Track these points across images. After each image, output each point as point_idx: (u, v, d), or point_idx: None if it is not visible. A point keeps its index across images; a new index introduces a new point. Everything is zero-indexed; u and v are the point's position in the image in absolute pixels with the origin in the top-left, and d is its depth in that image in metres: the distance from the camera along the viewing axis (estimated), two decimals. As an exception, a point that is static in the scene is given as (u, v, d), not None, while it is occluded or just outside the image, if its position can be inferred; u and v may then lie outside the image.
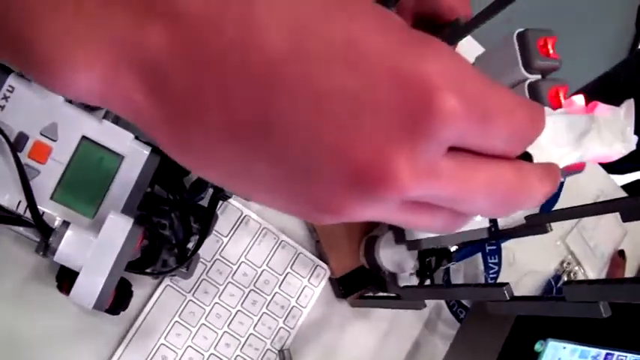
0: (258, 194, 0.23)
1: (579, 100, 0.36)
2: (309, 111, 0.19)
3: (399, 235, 0.60)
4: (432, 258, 0.64)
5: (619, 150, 0.35)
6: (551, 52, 0.41)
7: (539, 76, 0.43)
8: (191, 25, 0.19)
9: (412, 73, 0.19)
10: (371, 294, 0.66)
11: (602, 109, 0.35)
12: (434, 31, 0.67)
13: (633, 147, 0.36)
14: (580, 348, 0.52)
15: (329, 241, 0.65)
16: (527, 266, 0.78)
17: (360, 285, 0.66)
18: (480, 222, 0.57)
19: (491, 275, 0.71)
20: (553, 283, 0.78)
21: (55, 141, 0.46)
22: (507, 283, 0.45)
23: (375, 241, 0.64)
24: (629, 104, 0.36)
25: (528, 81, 0.42)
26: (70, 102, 0.47)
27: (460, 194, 0.21)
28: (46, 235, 0.44)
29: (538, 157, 0.25)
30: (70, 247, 0.43)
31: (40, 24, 0.20)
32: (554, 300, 0.42)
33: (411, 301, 0.56)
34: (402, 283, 0.63)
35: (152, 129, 0.22)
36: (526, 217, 0.58)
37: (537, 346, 0.55)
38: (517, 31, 0.40)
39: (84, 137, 0.48)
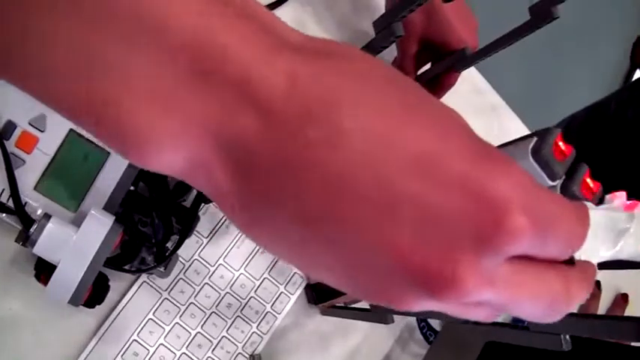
0: (318, 274, 0.24)
1: (621, 196, 0.36)
2: (381, 214, 0.20)
3: None
4: None
5: None
6: (563, 148, 0.41)
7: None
8: (279, 119, 0.20)
9: (484, 188, 0.20)
10: (342, 304, 0.66)
11: None
12: (438, 57, 0.68)
13: None
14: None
15: None
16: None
17: (333, 294, 0.66)
18: None
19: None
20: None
21: (42, 132, 0.46)
22: None
23: None
24: None
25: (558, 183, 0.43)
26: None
27: (509, 301, 0.22)
28: (27, 225, 0.44)
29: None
30: (49, 241, 0.43)
31: (129, 101, 0.20)
32: (519, 329, 0.43)
33: (379, 315, 0.56)
34: None
35: (227, 205, 0.23)
36: None
37: (505, 371, 0.56)
38: (530, 147, 0.41)
39: (71, 130, 0.48)
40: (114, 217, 0.45)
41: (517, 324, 0.46)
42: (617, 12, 2.05)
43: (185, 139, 0.21)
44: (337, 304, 0.66)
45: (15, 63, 0.20)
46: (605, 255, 0.33)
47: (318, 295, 0.66)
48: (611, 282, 0.88)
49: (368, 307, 0.58)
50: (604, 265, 0.36)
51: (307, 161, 0.20)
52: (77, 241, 0.44)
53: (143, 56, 0.20)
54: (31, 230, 0.44)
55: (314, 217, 0.21)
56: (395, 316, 0.58)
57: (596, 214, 0.30)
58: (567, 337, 0.40)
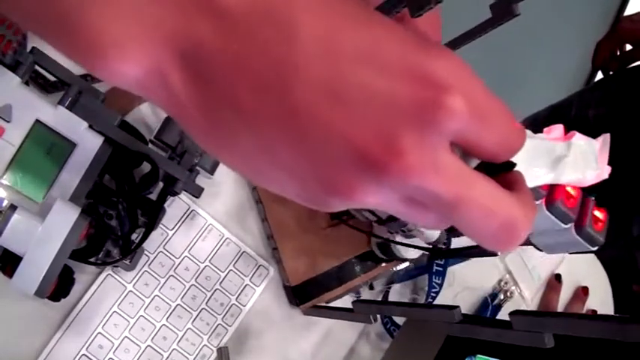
0: (273, 179, 0.25)
1: (558, 128, 0.38)
2: (332, 101, 0.22)
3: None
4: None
5: (592, 177, 0.38)
6: (573, 193, 0.43)
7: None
8: (236, 21, 0.22)
9: (424, 70, 0.22)
10: (323, 304, 0.67)
11: (579, 138, 0.38)
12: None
13: (606, 176, 0.39)
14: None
15: (286, 249, 0.66)
16: (466, 283, 0.81)
17: (313, 294, 0.67)
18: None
19: (431, 294, 0.73)
20: (489, 300, 0.81)
21: (8, 122, 0.46)
22: (458, 307, 0.47)
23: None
24: (606, 138, 0.39)
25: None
26: (27, 84, 0.47)
27: (458, 199, 0.23)
28: (-9, 218, 0.44)
29: None
30: (15, 232, 0.43)
31: (92, 9, 0.21)
32: (502, 328, 0.45)
33: (362, 315, 0.57)
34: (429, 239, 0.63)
35: (184, 115, 0.24)
36: None
37: (465, 360, 0.57)
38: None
39: (37, 121, 0.47)
40: (80, 209, 0.45)
41: (499, 320, 0.47)
42: (581, 14, 2.10)
43: (144, 45, 0.22)
44: (319, 305, 0.66)
45: None
46: (545, 179, 0.35)
47: (299, 297, 0.67)
48: (572, 275, 0.90)
49: (350, 307, 0.59)
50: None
51: (263, 60, 0.22)
52: (43, 232, 0.44)
53: None
54: (-3, 222, 0.43)
55: (272, 114, 0.22)
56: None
57: (535, 141, 0.32)
58: (550, 335, 0.42)
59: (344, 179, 0.23)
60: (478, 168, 0.25)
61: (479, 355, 0.57)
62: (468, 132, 0.23)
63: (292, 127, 0.22)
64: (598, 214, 0.45)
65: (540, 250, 0.50)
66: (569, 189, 0.43)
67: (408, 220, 0.26)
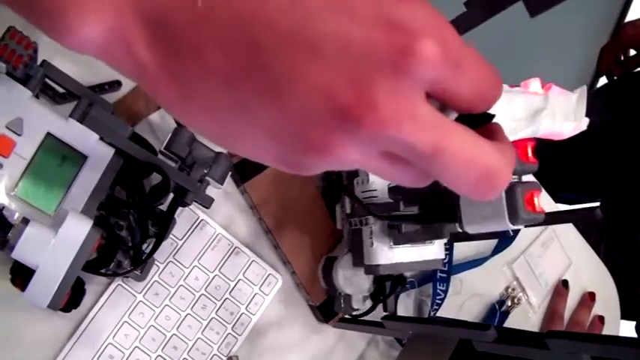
0: (250, 142, 0.25)
1: (536, 82, 0.38)
2: (304, 54, 0.21)
3: (357, 258, 0.62)
4: (388, 283, 0.66)
5: (569, 129, 0.38)
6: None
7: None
8: None
9: (400, 19, 0.21)
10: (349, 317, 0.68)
11: (556, 91, 0.38)
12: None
13: (584, 127, 0.39)
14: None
15: (304, 272, 0.67)
16: (473, 290, 0.81)
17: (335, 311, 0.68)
18: (435, 253, 0.60)
19: (437, 301, 0.73)
20: (497, 307, 0.81)
21: (19, 135, 0.46)
22: (491, 326, 0.48)
23: (334, 261, 0.65)
24: (583, 90, 0.39)
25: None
26: (37, 97, 0.47)
27: (436, 149, 0.22)
28: (4, 230, 0.44)
29: None
30: (27, 245, 0.43)
31: None
32: (538, 348, 0.45)
33: (394, 330, 0.57)
34: (355, 305, 0.65)
35: (151, 80, 0.24)
36: None
37: (476, 369, 0.57)
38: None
39: (49, 134, 0.47)
40: (92, 221, 0.46)
41: (535, 340, 0.47)
42: (583, 19, 2.11)
43: (105, 8, 0.22)
44: (346, 317, 0.67)
45: None
46: (525, 132, 0.35)
47: (325, 314, 0.68)
48: (578, 281, 0.91)
49: (379, 320, 0.59)
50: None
51: (229, 15, 0.21)
52: (56, 245, 0.44)
53: None
54: (9, 234, 0.44)
55: (241, 71, 0.22)
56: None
57: (515, 95, 0.32)
58: (588, 356, 0.42)
59: (319, 134, 0.22)
60: (457, 121, 0.24)
61: (489, 363, 0.57)
62: (443, 80, 0.22)
63: (265, 82, 0.22)
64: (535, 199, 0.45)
65: (462, 225, 0.49)
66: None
67: (387, 179, 0.25)
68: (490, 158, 0.23)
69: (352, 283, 0.64)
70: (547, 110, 0.35)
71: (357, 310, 0.67)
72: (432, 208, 0.55)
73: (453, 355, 0.61)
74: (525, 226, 0.49)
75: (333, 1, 0.21)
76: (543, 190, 0.80)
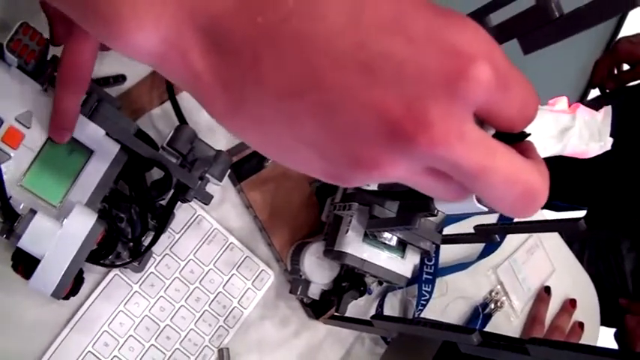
0: (297, 156, 0.26)
1: (563, 101, 0.40)
2: (359, 74, 0.22)
3: (329, 245, 0.64)
4: (347, 284, 0.68)
5: (595, 148, 0.39)
6: None
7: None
8: None
9: (454, 42, 0.22)
10: (339, 314, 0.69)
11: (583, 110, 0.39)
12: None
13: (609, 147, 0.40)
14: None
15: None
16: (458, 292, 0.84)
17: (327, 307, 0.70)
18: (403, 270, 0.62)
19: (422, 301, 0.76)
20: (480, 309, 0.83)
21: (28, 128, 0.48)
22: (476, 330, 0.50)
23: (305, 246, 0.67)
24: (608, 110, 0.40)
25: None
26: (46, 91, 0.49)
27: (481, 169, 0.23)
28: (11, 219, 0.46)
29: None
30: (34, 235, 0.45)
31: None
32: (519, 353, 0.47)
33: (381, 329, 0.59)
34: (310, 294, 0.67)
35: (206, 92, 0.24)
36: (475, 227, 0.63)
37: (458, 370, 0.59)
38: None
39: (57, 128, 0.49)
40: (97, 215, 0.47)
41: (517, 345, 0.49)
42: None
43: (163, 17, 0.23)
44: (336, 315, 0.68)
45: None
46: (554, 150, 0.36)
47: (316, 311, 0.71)
48: (560, 288, 0.93)
49: (368, 319, 0.61)
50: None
51: (287, 33, 0.22)
52: (61, 236, 0.45)
53: None
54: (16, 224, 0.45)
55: (298, 89, 0.23)
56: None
57: (544, 113, 0.33)
58: None
59: (370, 152, 0.23)
60: (494, 137, 0.25)
61: (471, 365, 0.59)
62: (492, 102, 0.23)
63: (319, 99, 0.23)
64: None
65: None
66: None
67: (428, 193, 0.26)
68: (530, 178, 0.24)
69: (316, 270, 0.66)
70: (574, 129, 0.36)
71: (311, 299, 0.68)
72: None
73: (437, 355, 0.63)
74: (510, 234, 0.51)
75: (388, 24, 0.22)
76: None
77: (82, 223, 0.46)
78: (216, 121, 0.26)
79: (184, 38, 0.23)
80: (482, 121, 0.25)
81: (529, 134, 0.27)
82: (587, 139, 0.39)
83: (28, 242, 0.45)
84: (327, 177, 0.26)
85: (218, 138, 0.66)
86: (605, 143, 0.40)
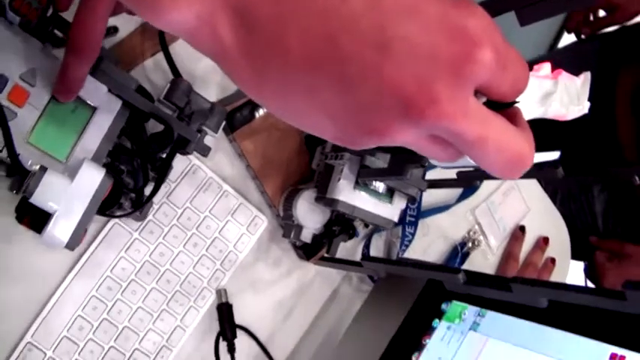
0: (312, 120, 0.28)
1: (547, 67, 0.42)
2: (376, 52, 0.25)
3: (321, 193, 0.67)
4: (338, 228, 0.71)
5: (574, 112, 0.42)
6: None
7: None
8: None
9: (463, 27, 0.25)
10: (329, 256, 0.73)
11: (564, 76, 0.42)
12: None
13: (586, 111, 0.43)
14: (474, 308, 0.62)
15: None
16: (439, 233, 0.88)
17: (318, 249, 0.73)
18: (390, 214, 0.65)
19: (405, 242, 0.80)
20: (459, 248, 0.88)
21: (33, 86, 0.49)
22: (461, 270, 0.53)
23: (298, 192, 0.70)
24: (587, 76, 0.43)
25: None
26: (49, 50, 0.49)
27: (477, 139, 0.26)
28: (21, 175, 0.47)
29: None
30: (45, 191, 0.47)
31: None
32: (503, 290, 0.51)
33: (371, 269, 0.63)
34: (303, 237, 0.70)
35: (233, 64, 0.27)
36: (458, 173, 0.66)
37: (443, 306, 0.64)
38: None
39: (60, 85, 0.50)
40: (104, 170, 0.49)
41: (501, 283, 0.53)
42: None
43: None
44: (326, 256, 0.72)
45: None
46: (536, 113, 0.39)
47: (307, 253, 0.74)
48: (534, 226, 0.98)
49: (358, 261, 0.64)
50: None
51: (311, 11, 0.25)
52: (72, 190, 0.47)
53: None
54: (28, 181, 0.47)
55: (319, 62, 0.25)
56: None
57: (530, 79, 0.37)
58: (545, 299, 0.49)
59: (382, 121, 0.26)
60: (485, 104, 0.28)
61: (454, 301, 0.64)
62: (491, 79, 0.26)
63: (339, 73, 0.25)
64: None
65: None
66: None
67: (426, 155, 0.30)
68: (519, 146, 0.28)
69: (308, 216, 0.69)
70: (556, 94, 0.39)
71: (303, 242, 0.72)
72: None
73: (422, 292, 0.68)
74: (490, 179, 0.53)
75: (406, 9, 0.24)
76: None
77: (91, 178, 0.48)
78: (240, 89, 0.29)
79: (215, 15, 0.26)
80: (477, 91, 0.28)
81: (517, 101, 0.30)
82: (567, 104, 0.41)
83: (39, 198, 0.47)
84: (338, 140, 0.29)
85: (210, 89, 0.68)
86: (584, 107, 0.42)
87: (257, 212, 0.71)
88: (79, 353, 0.62)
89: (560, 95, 0.40)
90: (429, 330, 0.63)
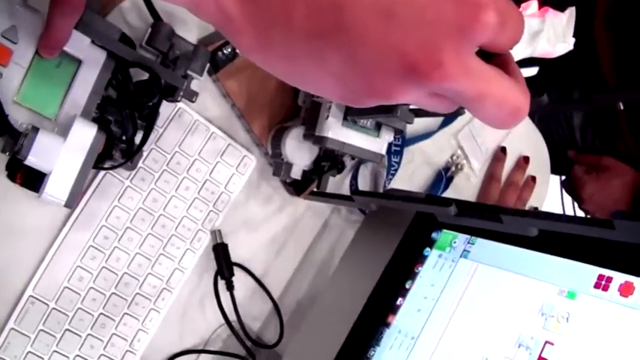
0: (316, 83, 0.29)
1: (534, 5, 0.43)
2: (381, 18, 0.25)
3: (309, 130, 0.67)
4: (327, 164, 0.72)
5: (560, 49, 0.43)
6: None
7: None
8: None
9: None
10: (318, 190, 0.74)
11: (551, 14, 0.42)
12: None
13: (571, 47, 0.44)
14: (464, 236, 0.64)
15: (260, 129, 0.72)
16: (423, 159, 0.89)
17: (306, 184, 0.74)
18: (378, 148, 0.66)
19: (391, 171, 0.81)
20: (443, 173, 0.90)
21: (15, 43, 0.47)
22: (452, 203, 0.54)
23: (285, 130, 0.70)
24: (572, 12, 0.44)
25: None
26: (29, 4, 0.48)
27: (478, 94, 0.28)
28: (11, 136, 0.47)
29: None
30: (40, 151, 0.46)
31: None
32: (494, 221, 0.52)
33: (362, 203, 0.64)
34: (293, 175, 0.71)
35: (237, 33, 0.27)
36: None
37: (434, 235, 0.66)
38: None
39: (42, 40, 0.49)
40: (96, 126, 0.49)
41: (490, 215, 0.54)
42: None
43: None
44: (316, 191, 0.73)
45: None
46: (525, 53, 0.41)
47: (297, 189, 0.75)
48: (515, 147, 1.00)
49: (351, 197, 0.65)
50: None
51: None
52: (66, 149, 0.47)
53: None
54: (21, 142, 0.46)
55: (326, 30, 0.26)
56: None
57: None
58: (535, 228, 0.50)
59: (387, 83, 0.27)
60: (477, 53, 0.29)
61: (444, 230, 0.66)
62: (493, 37, 0.27)
63: (345, 41, 0.26)
64: None
65: None
66: None
67: (426, 108, 0.31)
68: (516, 98, 0.29)
69: (297, 153, 0.70)
70: (544, 32, 0.39)
71: (293, 179, 0.73)
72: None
73: (412, 222, 0.70)
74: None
75: None
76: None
77: (84, 135, 0.48)
78: (242, 54, 0.29)
79: None
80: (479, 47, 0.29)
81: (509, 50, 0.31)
82: (554, 41, 0.42)
83: (35, 159, 0.46)
84: (342, 100, 0.30)
85: (190, 29, 0.66)
86: (569, 44, 0.43)
87: (245, 152, 0.72)
88: (82, 302, 0.63)
89: (547, 34, 0.41)
90: (421, 258, 0.66)
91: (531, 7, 0.42)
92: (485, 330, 0.56)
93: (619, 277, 0.50)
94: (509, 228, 0.54)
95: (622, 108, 0.53)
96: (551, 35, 0.41)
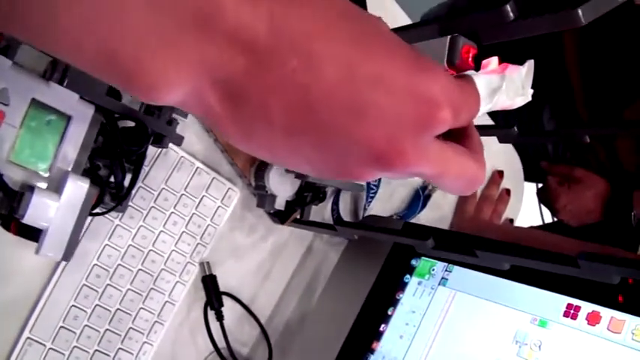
0: (295, 166, 0.33)
1: (494, 61, 0.45)
2: (352, 117, 0.29)
3: None
4: (310, 194, 0.75)
5: (519, 101, 0.46)
6: (469, 60, 0.49)
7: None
8: (265, 55, 0.27)
9: (422, 92, 0.29)
10: (300, 218, 0.77)
11: (510, 69, 0.45)
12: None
13: (530, 99, 0.47)
14: (442, 263, 0.67)
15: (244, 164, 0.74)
16: (400, 180, 0.92)
17: (289, 213, 0.76)
18: None
19: (370, 194, 0.84)
20: (421, 192, 0.93)
21: (7, 105, 0.49)
22: (430, 237, 0.57)
23: (268, 164, 0.72)
24: (530, 64, 0.47)
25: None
26: (18, 65, 0.50)
27: (440, 174, 0.32)
28: (10, 197, 0.49)
29: None
30: (36, 210, 0.48)
31: (145, 57, 0.26)
32: (469, 255, 0.55)
33: (344, 233, 0.67)
34: (276, 205, 0.74)
35: (222, 126, 0.30)
36: None
37: (413, 262, 0.69)
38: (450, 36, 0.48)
39: (34, 100, 0.51)
40: (89, 180, 0.51)
41: (468, 249, 0.57)
42: None
43: (189, 80, 0.27)
44: (299, 219, 0.76)
45: (18, 19, 0.24)
46: (484, 109, 0.44)
47: (280, 218, 0.78)
48: (489, 161, 1.03)
49: (333, 227, 0.68)
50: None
51: (291, 86, 0.28)
52: (61, 206, 0.49)
53: (164, 17, 0.25)
54: (18, 203, 0.48)
55: (301, 128, 0.29)
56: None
57: (477, 79, 0.41)
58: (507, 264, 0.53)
59: (358, 169, 0.31)
60: None
61: (423, 258, 0.69)
62: (450, 125, 0.31)
63: (318, 136, 0.29)
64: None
65: None
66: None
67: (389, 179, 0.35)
68: (472, 171, 0.33)
69: (280, 186, 0.73)
70: (503, 88, 0.42)
71: (276, 209, 0.76)
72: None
73: (392, 249, 0.73)
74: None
75: (375, 79, 0.28)
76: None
77: (78, 191, 0.50)
78: (228, 142, 0.32)
79: (203, 90, 0.28)
80: None
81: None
82: (512, 95, 0.44)
83: (32, 218, 0.49)
84: (319, 176, 0.34)
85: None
86: (528, 95, 0.46)
87: (230, 185, 0.74)
88: (77, 340, 0.65)
89: (506, 89, 0.43)
90: (402, 285, 0.69)
91: (492, 64, 0.45)
92: (464, 356, 0.59)
93: (587, 307, 0.54)
94: (483, 262, 0.57)
95: (588, 141, 0.56)
96: (510, 90, 0.44)
